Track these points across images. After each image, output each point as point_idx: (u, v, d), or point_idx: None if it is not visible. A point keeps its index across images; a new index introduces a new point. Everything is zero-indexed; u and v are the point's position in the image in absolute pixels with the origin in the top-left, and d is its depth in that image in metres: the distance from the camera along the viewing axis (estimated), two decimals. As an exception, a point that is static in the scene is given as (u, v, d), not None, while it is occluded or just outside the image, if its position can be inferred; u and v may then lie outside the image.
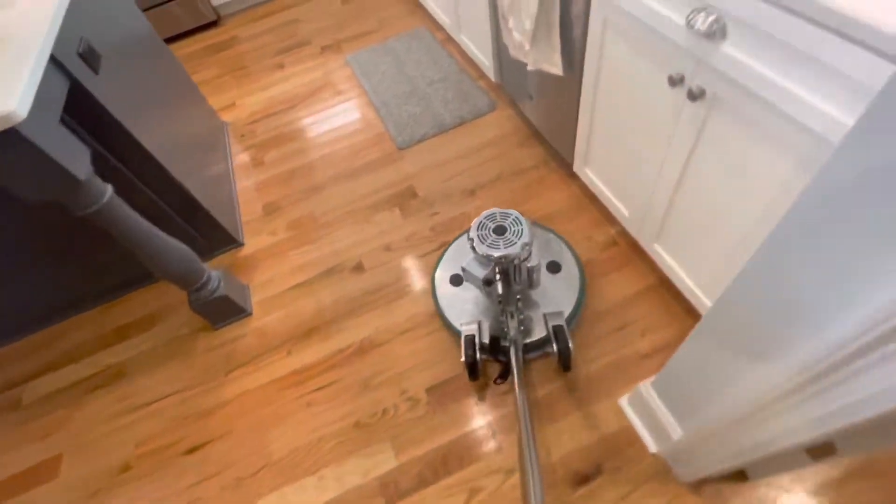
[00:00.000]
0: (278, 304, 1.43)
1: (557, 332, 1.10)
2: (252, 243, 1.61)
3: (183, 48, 2.65)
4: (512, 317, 1.11)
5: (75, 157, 0.91)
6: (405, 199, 1.61)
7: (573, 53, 1.14)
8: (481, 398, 1.14)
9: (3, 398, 1.40)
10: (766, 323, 0.54)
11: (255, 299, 1.46)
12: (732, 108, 0.75)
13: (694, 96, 0.79)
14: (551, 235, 1.36)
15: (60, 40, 1.00)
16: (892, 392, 0.40)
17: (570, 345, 1.08)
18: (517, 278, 1.07)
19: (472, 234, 1.01)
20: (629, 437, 1.03)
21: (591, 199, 1.46)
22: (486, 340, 1.13)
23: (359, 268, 1.46)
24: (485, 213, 1.04)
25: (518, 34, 1.25)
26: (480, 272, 1.02)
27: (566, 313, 1.17)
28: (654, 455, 0.99)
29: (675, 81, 0.83)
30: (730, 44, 0.70)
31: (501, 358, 1.16)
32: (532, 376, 1.16)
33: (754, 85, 0.68)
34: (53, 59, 0.97)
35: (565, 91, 1.27)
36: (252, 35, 2.61)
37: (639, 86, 0.96)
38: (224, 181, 1.78)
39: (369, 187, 1.68)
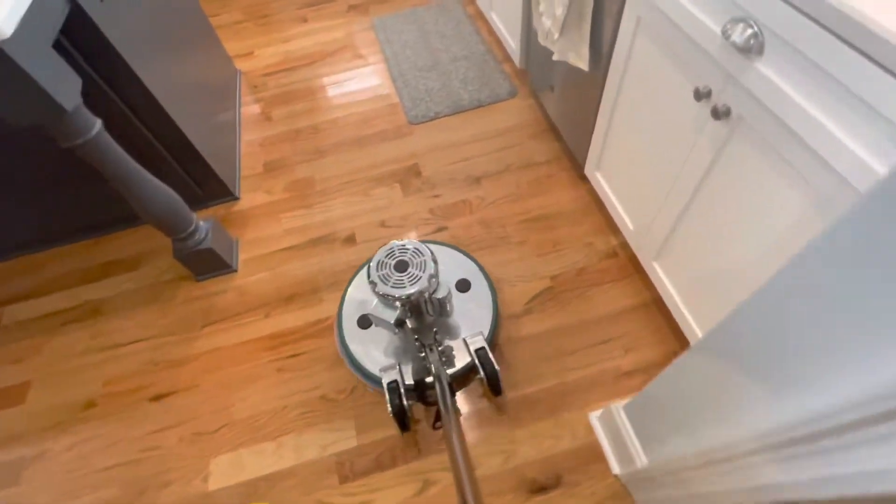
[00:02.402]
0: (264, 264, 1.41)
1: (481, 356, 1.03)
2: (247, 199, 1.58)
3: (208, -13, 2.57)
4: (431, 350, 1.02)
5: (64, 85, 0.87)
6: (408, 176, 1.57)
7: (601, 49, 1.07)
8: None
9: (-20, 317, 1.40)
10: (751, 372, 0.50)
11: (242, 257, 1.43)
12: (757, 133, 0.70)
13: (718, 114, 0.74)
14: (450, 250, 1.29)
15: (64, -42, 0.95)
16: (865, 479, 0.36)
17: (497, 367, 1.01)
18: (429, 310, 1.01)
19: (373, 275, 0.94)
20: (594, 454, 1.01)
21: (598, 205, 1.41)
22: (411, 382, 1.05)
23: (350, 240, 1.43)
24: (382, 249, 0.97)
25: (548, 20, 1.18)
26: (389, 315, 0.96)
27: (486, 333, 1.11)
28: (616, 476, 0.97)
29: (701, 95, 0.77)
30: (765, 62, 0.64)
31: (431, 399, 1.08)
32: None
33: (784, 112, 0.63)
34: (54, -22, 0.92)
35: (587, 88, 1.20)
36: (280, -18, 2.52)
37: (663, 94, 0.90)
38: (229, 131, 1.73)
39: (373, 159, 1.63)
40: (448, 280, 1.21)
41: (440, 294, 0.98)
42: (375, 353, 1.13)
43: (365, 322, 1.18)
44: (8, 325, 1.37)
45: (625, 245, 1.32)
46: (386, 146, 1.66)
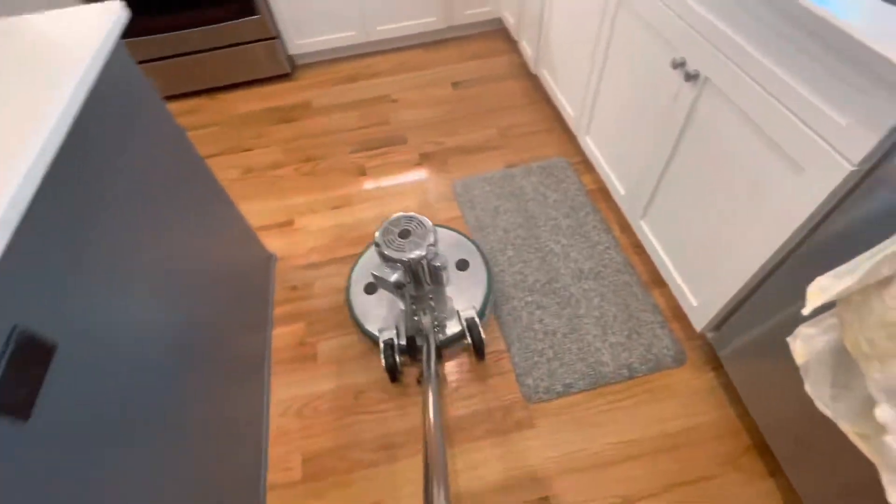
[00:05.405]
0: None
1: (470, 324, 1.15)
2: (276, 540, 1.00)
3: (241, 101, 2.06)
4: (425, 314, 1.15)
5: None
6: (535, 527, 0.98)
7: None
8: None
9: None
10: None
11: None
12: None
13: None
14: (458, 235, 1.40)
15: None
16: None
17: (483, 335, 1.14)
18: (427, 278, 1.11)
19: (379, 239, 1.06)
20: None
21: None
22: (404, 342, 1.15)
23: None
24: (390, 219, 1.08)
25: (901, 448, 0.61)
26: (391, 276, 1.05)
27: (478, 307, 1.22)
28: None
29: None
30: None
31: (420, 357, 1.14)
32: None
33: None
34: None
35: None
36: (330, 105, 2.01)
37: None
38: (253, 378, 1.17)
39: (474, 475, 1.05)
40: (449, 259, 1.32)
41: (437, 263, 1.07)
42: (377, 315, 1.24)
43: (370, 288, 1.29)
44: None
45: None
46: (492, 451, 1.08)
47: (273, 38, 1.97)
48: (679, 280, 1.15)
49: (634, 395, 1.13)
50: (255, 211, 1.63)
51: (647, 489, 1.01)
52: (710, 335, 1.10)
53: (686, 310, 1.14)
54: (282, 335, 1.31)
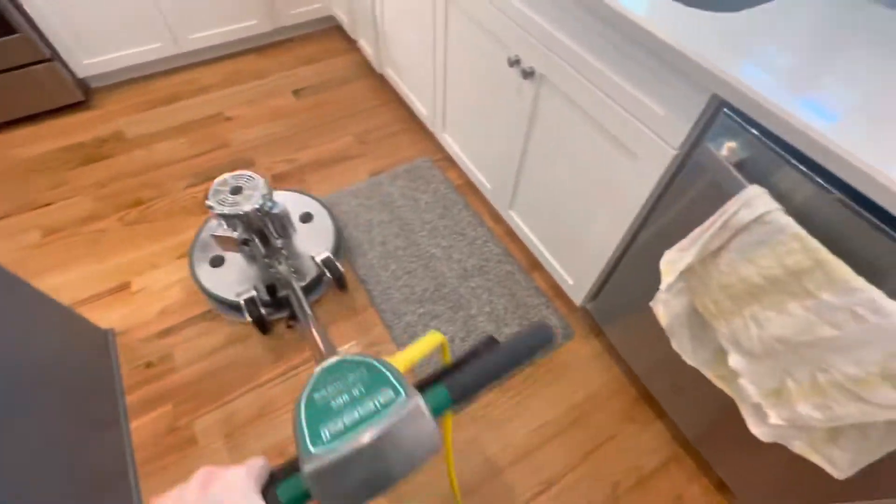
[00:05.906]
0: None
1: (327, 263, 1.23)
2: None
3: (24, 142, 1.62)
4: (280, 263, 1.15)
5: None
6: (475, 543, 0.97)
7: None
8: None
9: None
10: None
11: None
12: None
13: None
14: (296, 194, 1.42)
15: None
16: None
17: (341, 268, 1.23)
18: (273, 231, 1.12)
19: (211, 202, 1.03)
20: None
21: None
22: (266, 297, 1.18)
23: None
24: (216, 181, 1.06)
25: (751, 385, 0.71)
26: (234, 234, 1.06)
27: (330, 247, 1.29)
28: None
29: None
30: None
31: (286, 304, 1.18)
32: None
33: None
34: None
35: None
36: (149, 133, 1.69)
37: None
38: (117, 479, 0.95)
39: None
40: (292, 214, 1.25)
41: (276, 210, 1.07)
42: (232, 285, 1.20)
43: (217, 261, 1.26)
44: None
45: None
46: (419, 479, 1.04)
47: (48, 60, 1.58)
48: (554, 262, 1.22)
49: (538, 379, 1.19)
50: (74, 280, 1.31)
51: (567, 465, 1.06)
52: (588, 306, 1.19)
53: (564, 288, 1.22)
54: (144, 426, 1.08)
